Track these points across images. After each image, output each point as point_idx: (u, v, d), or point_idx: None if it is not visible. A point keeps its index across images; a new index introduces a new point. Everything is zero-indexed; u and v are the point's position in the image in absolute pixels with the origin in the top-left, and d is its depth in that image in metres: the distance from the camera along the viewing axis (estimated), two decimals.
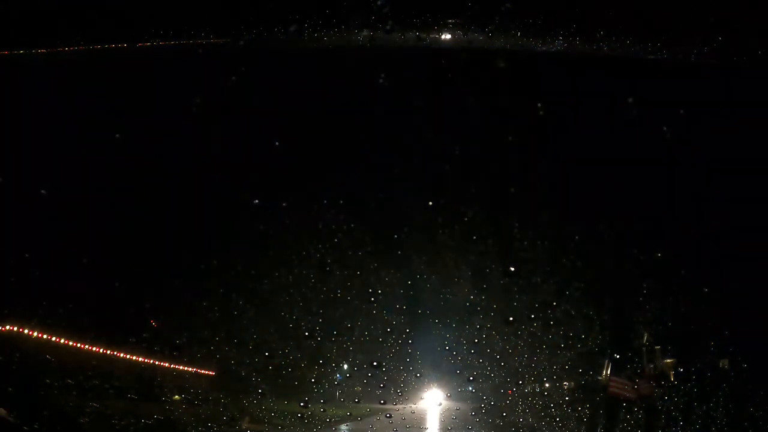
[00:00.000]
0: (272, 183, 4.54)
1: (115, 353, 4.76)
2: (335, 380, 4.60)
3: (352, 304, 4.61)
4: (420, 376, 4.62)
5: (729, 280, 4.55)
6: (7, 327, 4.44)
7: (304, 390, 4.58)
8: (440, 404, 4.60)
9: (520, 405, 4.66)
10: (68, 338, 4.62)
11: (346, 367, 4.62)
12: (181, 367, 4.89)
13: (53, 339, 4.57)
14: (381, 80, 3.95)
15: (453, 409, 4.55)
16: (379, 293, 4.57)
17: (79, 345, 4.68)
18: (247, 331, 4.70)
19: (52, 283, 4.54)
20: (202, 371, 4.90)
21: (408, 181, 4.54)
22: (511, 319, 4.51)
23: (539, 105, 4.12)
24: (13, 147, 4.25)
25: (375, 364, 4.49)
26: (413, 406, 4.61)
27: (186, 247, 4.73)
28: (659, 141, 4.22)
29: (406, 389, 4.59)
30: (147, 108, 4.27)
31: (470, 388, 4.60)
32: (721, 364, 4.62)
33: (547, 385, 4.70)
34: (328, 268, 4.58)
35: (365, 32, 3.70)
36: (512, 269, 4.50)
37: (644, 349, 4.69)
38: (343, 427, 4.59)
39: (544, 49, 3.92)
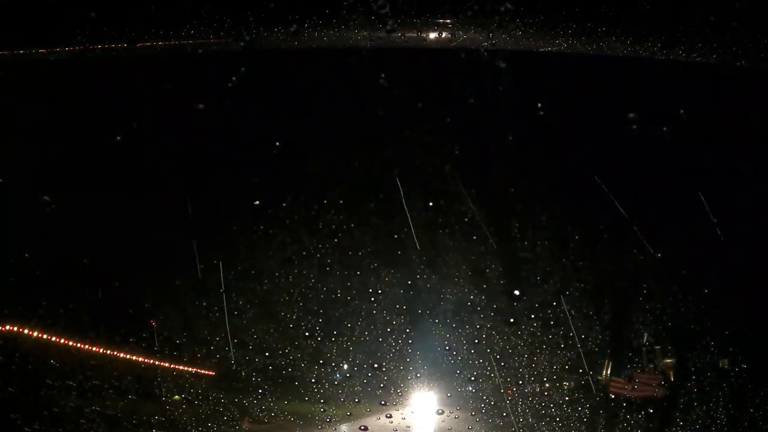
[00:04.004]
0: (272, 183, 4.54)
1: (115, 353, 4.75)
2: (335, 380, 4.60)
3: (352, 304, 4.61)
4: (420, 376, 4.62)
5: (729, 279, 4.55)
6: (7, 327, 4.44)
7: (304, 390, 4.58)
8: (440, 405, 4.60)
9: (520, 405, 4.66)
10: (68, 338, 4.62)
11: (346, 367, 4.62)
12: (181, 367, 4.89)
13: (53, 339, 4.57)
14: (381, 80, 3.95)
15: (453, 409, 4.55)
16: (379, 293, 4.57)
17: (79, 345, 4.68)
18: (247, 331, 4.70)
19: (52, 283, 4.54)
20: (202, 371, 4.90)
21: (408, 181, 4.54)
22: (511, 319, 4.52)
23: (539, 105, 4.12)
24: (13, 147, 4.25)
25: (375, 365, 4.50)
26: (413, 406, 4.61)
27: (186, 247, 4.73)
28: (659, 141, 4.22)
29: (406, 389, 4.59)
30: (147, 108, 4.27)
31: (470, 389, 4.60)
32: (721, 364, 4.62)
33: (547, 385, 4.70)
34: (328, 268, 4.58)
35: (365, 32, 3.70)
36: (517, 290, 4.52)
37: (644, 349, 4.69)
38: (343, 427, 4.59)
39: (544, 49, 3.92)
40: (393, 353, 4.59)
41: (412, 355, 4.60)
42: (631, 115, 4.04)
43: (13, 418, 4.04)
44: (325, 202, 4.47)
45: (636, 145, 4.28)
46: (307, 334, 4.59)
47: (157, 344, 4.76)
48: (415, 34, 3.76)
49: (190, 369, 4.89)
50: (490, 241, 4.61)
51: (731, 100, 4.22)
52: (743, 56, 3.81)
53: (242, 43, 3.76)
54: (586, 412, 4.63)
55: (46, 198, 4.09)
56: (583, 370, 4.70)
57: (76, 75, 4.12)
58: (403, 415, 4.54)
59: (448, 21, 3.72)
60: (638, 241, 4.61)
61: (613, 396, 4.60)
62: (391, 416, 4.46)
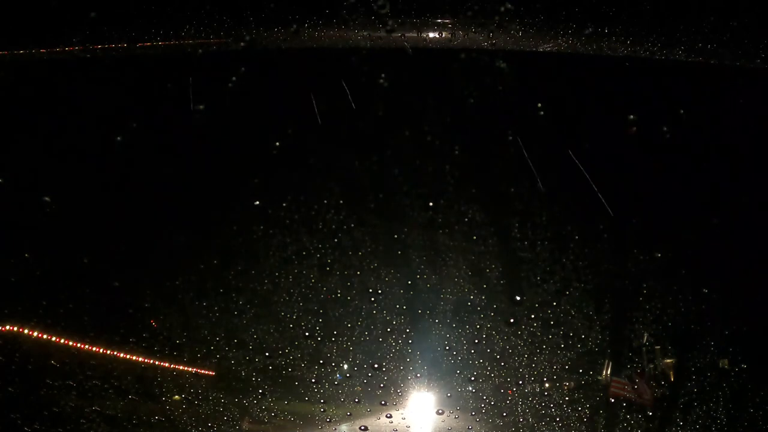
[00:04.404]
0: (272, 183, 4.54)
1: (115, 353, 4.75)
2: (335, 380, 4.60)
3: (352, 304, 4.61)
4: (420, 376, 4.62)
5: (729, 280, 4.55)
6: (7, 327, 4.44)
7: (304, 390, 4.58)
8: (440, 405, 4.60)
9: (520, 405, 4.66)
10: (68, 338, 4.62)
11: (346, 367, 4.62)
12: (181, 367, 4.89)
13: (53, 339, 4.56)
14: (381, 80, 3.95)
15: (453, 409, 4.55)
16: (379, 293, 4.58)
17: (79, 345, 4.68)
18: (247, 331, 4.70)
19: (52, 283, 4.54)
20: (202, 371, 4.90)
21: (408, 181, 4.54)
22: (511, 319, 4.52)
23: (539, 105, 4.12)
24: (13, 147, 4.25)
25: (375, 365, 4.50)
26: (413, 406, 4.61)
27: (186, 247, 4.73)
28: (659, 141, 4.22)
29: (406, 389, 4.59)
30: (147, 108, 4.27)
31: (470, 389, 4.60)
32: (721, 364, 4.62)
33: (547, 385, 4.70)
34: (328, 268, 4.58)
35: (365, 32, 3.70)
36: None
37: (644, 349, 4.69)
38: (343, 427, 4.59)
39: (544, 49, 3.92)
40: (393, 353, 4.59)
41: (412, 355, 4.60)
42: (631, 115, 4.04)
43: (13, 418, 4.04)
44: (325, 202, 4.47)
45: (636, 145, 4.28)
46: (307, 334, 4.59)
47: (157, 344, 4.76)
48: (415, 34, 3.76)
49: (190, 369, 4.89)
50: (490, 241, 4.61)
51: (731, 100, 4.22)
52: (743, 56, 3.81)
53: (242, 43, 3.76)
54: (586, 412, 4.63)
55: (47, 199, 4.09)
56: (583, 370, 4.71)
57: (76, 75, 4.12)
58: (403, 415, 4.54)
59: (448, 21, 3.73)
60: (638, 241, 4.61)
61: (612, 396, 4.60)
62: (391, 416, 4.47)
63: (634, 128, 4.06)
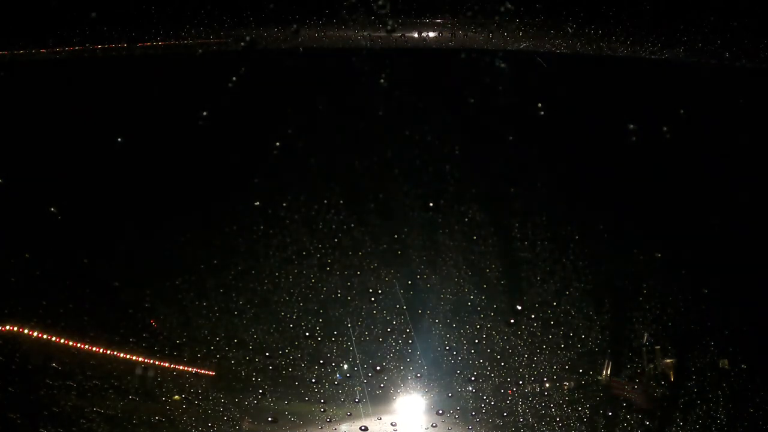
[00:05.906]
0: (272, 183, 4.54)
1: (115, 353, 4.76)
2: (335, 380, 4.60)
3: (352, 304, 4.62)
4: (420, 376, 4.62)
5: (729, 280, 4.55)
6: (7, 327, 4.44)
7: (304, 390, 4.58)
8: (440, 405, 4.60)
9: (520, 405, 4.66)
10: (68, 338, 4.62)
11: (346, 367, 4.62)
12: (181, 367, 4.89)
13: (53, 339, 4.57)
14: (381, 80, 3.95)
15: (453, 409, 4.55)
16: (379, 293, 4.58)
17: (79, 345, 4.68)
18: (247, 331, 4.70)
19: (52, 283, 4.54)
20: (202, 371, 4.90)
21: (408, 181, 4.54)
22: (511, 319, 4.52)
23: (539, 105, 4.12)
24: (13, 147, 4.25)
25: (375, 365, 4.50)
26: (413, 405, 4.62)
27: (186, 246, 4.73)
28: (659, 141, 4.22)
29: (407, 389, 4.59)
30: (147, 108, 4.27)
31: (470, 389, 4.60)
32: (721, 364, 4.62)
33: (547, 385, 4.70)
34: (328, 268, 4.58)
35: (365, 32, 3.70)
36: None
37: (644, 349, 4.69)
38: (343, 427, 4.59)
39: (544, 49, 3.92)
40: (393, 353, 4.59)
41: (412, 355, 4.60)
42: (631, 115, 4.04)
43: (13, 418, 4.05)
44: (325, 202, 4.47)
45: (636, 145, 4.28)
46: (307, 334, 4.59)
47: (157, 344, 4.76)
48: (415, 34, 3.76)
49: (190, 369, 4.89)
50: (490, 241, 4.62)
51: (731, 100, 4.22)
52: (743, 56, 3.81)
53: (242, 43, 3.76)
54: (586, 412, 4.63)
55: (53, 210, 4.09)
56: (583, 370, 4.71)
57: (76, 75, 4.12)
58: (403, 416, 4.54)
59: (448, 21, 3.73)
60: (638, 241, 4.61)
61: (612, 396, 4.60)
62: (391, 416, 4.46)
63: (634, 128, 4.06)
